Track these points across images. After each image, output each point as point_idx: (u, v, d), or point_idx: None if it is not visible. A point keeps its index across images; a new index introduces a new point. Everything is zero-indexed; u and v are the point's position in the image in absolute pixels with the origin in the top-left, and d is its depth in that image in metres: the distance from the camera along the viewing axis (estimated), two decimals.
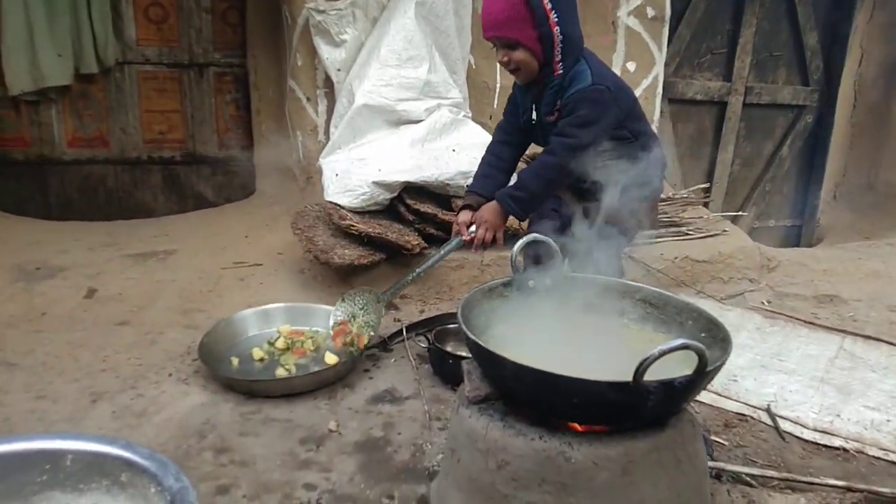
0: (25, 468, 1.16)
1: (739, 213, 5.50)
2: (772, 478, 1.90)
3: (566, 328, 1.69)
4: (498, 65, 3.19)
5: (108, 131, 4.50)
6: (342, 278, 3.24)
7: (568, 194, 2.51)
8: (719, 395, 2.40)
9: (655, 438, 1.40)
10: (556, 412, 1.44)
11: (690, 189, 4.73)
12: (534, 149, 2.64)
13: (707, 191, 5.23)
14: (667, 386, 1.28)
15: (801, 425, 2.23)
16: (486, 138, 2.92)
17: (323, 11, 3.71)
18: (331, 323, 2.63)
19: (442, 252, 2.49)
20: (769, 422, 2.25)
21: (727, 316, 3.11)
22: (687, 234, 3.91)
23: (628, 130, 2.36)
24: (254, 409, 2.24)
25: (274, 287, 3.28)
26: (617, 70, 4.55)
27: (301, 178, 4.33)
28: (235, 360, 2.53)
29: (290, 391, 2.33)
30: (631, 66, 4.67)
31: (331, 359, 2.48)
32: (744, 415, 2.29)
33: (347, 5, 3.71)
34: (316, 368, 2.45)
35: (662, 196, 4.39)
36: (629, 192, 2.10)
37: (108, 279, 3.30)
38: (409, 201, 3.36)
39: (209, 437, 2.07)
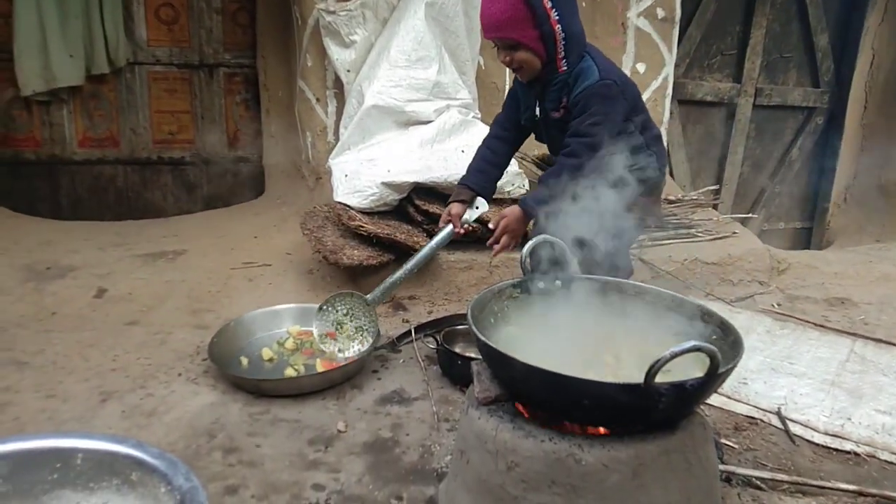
0: (36, 467, 1.17)
1: (749, 215, 5.47)
2: (782, 481, 1.89)
3: (576, 329, 1.68)
4: None
5: (118, 131, 4.53)
6: (351, 279, 3.24)
7: None
8: (729, 397, 2.39)
9: (666, 441, 1.39)
10: (566, 414, 1.43)
11: (700, 191, 4.72)
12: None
13: (716, 193, 5.22)
14: (678, 388, 1.27)
15: (811, 429, 2.21)
16: None
17: (333, 12, 3.72)
18: (316, 335, 2.55)
19: (433, 244, 2.50)
20: (779, 425, 2.23)
21: (737, 318, 3.10)
22: (696, 236, 3.90)
23: (633, 123, 2.36)
24: (262, 410, 2.24)
25: (283, 287, 3.29)
26: (626, 71, 4.54)
27: (310, 178, 4.34)
28: (245, 361, 2.54)
29: (299, 391, 2.34)
30: (641, 67, 4.66)
31: (321, 365, 2.47)
32: (754, 418, 2.28)
33: (357, 6, 3.72)
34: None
35: (671, 197, 4.40)
36: (633, 185, 2.09)
37: (118, 279, 3.31)
38: (417, 202, 3.36)
39: (218, 437, 2.07)
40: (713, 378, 1.28)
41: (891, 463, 2.04)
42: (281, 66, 4.51)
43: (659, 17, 4.59)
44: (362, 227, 3.17)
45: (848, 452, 2.09)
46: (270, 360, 2.56)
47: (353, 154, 3.60)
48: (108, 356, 2.59)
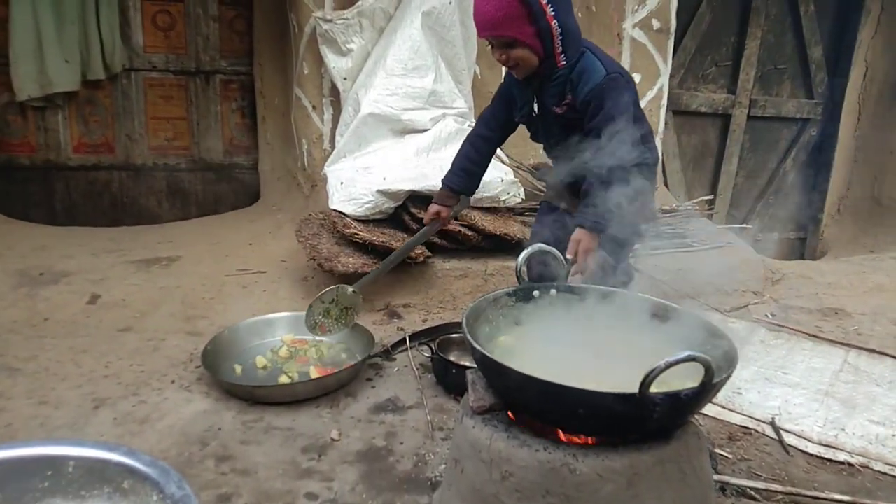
0: (27, 474, 1.16)
1: (743, 225, 5.48)
2: (776, 492, 1.89)
3: (571, 338, 1.68)
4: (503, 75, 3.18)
5: (113, 137, 4.53)
6: None
7: (568, 197, 2.50)
8: (723, 407, 2.39)
9: (661, 451, 1.39)
10: (561, 423, 1.43)
11: (694, 201, 4.73)
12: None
13: (711, 203, 5.24)
14: (673, 398, 1.27)
15: (805, 439, 2.21)
16: None
17: (330, 21, 3.73)
18: (311, 325, 2.63)
19: (416, 237, 2.67)
20: (773, 435, 2.23)
21: (731, 328, 3.10)
22: (691, 246, 3.91)
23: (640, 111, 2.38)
24: (256, 417, 2.23)
25: (277, 295, 3.28)
26: None
27: (306, 186, 4.34)
28: (238, 368, 2.53)
29: (293, 398, 2.33)
30: (636, 77, 4.67)
31: (314, 372, 2.51)
32: (748, 428, 2.28)
33: (354, 15, 3.73)
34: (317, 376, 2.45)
35: (666, 207, 4.41)
36: (648, 172, 2.10)
37: (112, 285, 3.30)
38: (413, 210, 3.36)
39: (211, 445, 2.06)
40: (708, 388, 1.28)
41: (884, 474, 2.05)
42: (277, 73, 4.52)
43: (654, 28, 4.61)
44: (357, 234, 3.17)
45: (842, 463, 2.10)
46: (264, 367, 2.55)
47: (349, 162, 3.61)
48: (101, 363, 2.58)
